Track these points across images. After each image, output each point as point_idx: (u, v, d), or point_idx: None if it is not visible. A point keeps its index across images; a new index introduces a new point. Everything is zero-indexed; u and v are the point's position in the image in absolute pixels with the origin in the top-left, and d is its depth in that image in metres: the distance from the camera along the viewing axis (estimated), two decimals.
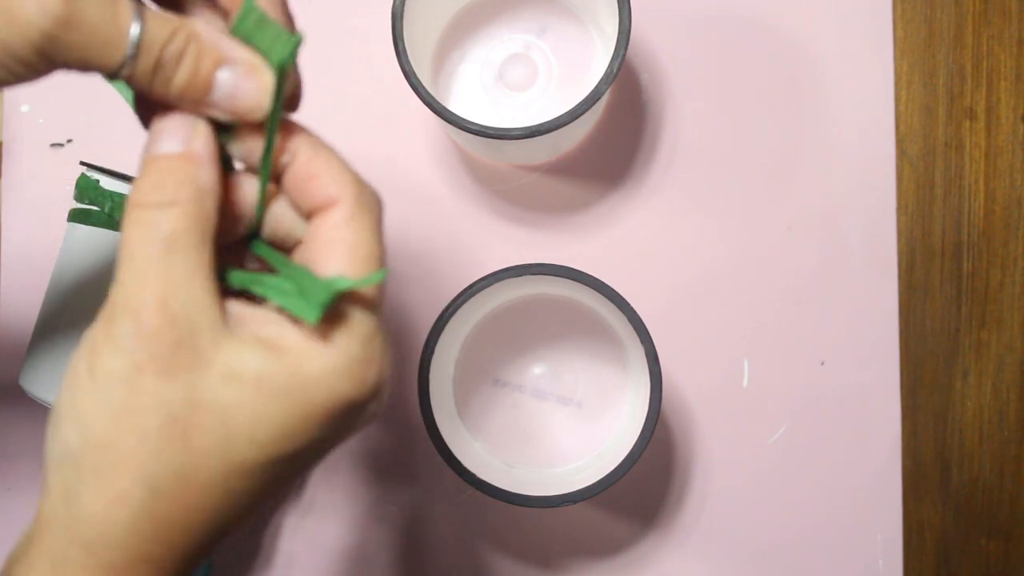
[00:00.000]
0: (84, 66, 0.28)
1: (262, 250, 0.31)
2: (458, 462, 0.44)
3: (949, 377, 0.54)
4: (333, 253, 0.29)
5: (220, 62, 0.29)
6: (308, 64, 0.55)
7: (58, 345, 0.47)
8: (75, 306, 0.47)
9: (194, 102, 0.29)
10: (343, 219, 0.29)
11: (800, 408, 0.53)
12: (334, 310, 0.29)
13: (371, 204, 0.30)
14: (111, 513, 0.27)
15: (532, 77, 0.52)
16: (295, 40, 0.30)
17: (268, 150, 0.30)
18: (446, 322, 0.45)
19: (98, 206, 0.47)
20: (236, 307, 0.29)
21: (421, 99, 0.46)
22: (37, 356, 0.48)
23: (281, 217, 0.31)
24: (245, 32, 0.30)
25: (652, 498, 0.54)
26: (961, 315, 0.54)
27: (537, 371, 0.51)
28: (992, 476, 0.54)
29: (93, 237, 0.47)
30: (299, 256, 0.31)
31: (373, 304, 0.30)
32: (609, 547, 0.53)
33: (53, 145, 0.55)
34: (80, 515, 0.27)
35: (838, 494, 0.53)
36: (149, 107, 0.31)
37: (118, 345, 0.27)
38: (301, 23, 0.58)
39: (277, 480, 0.29)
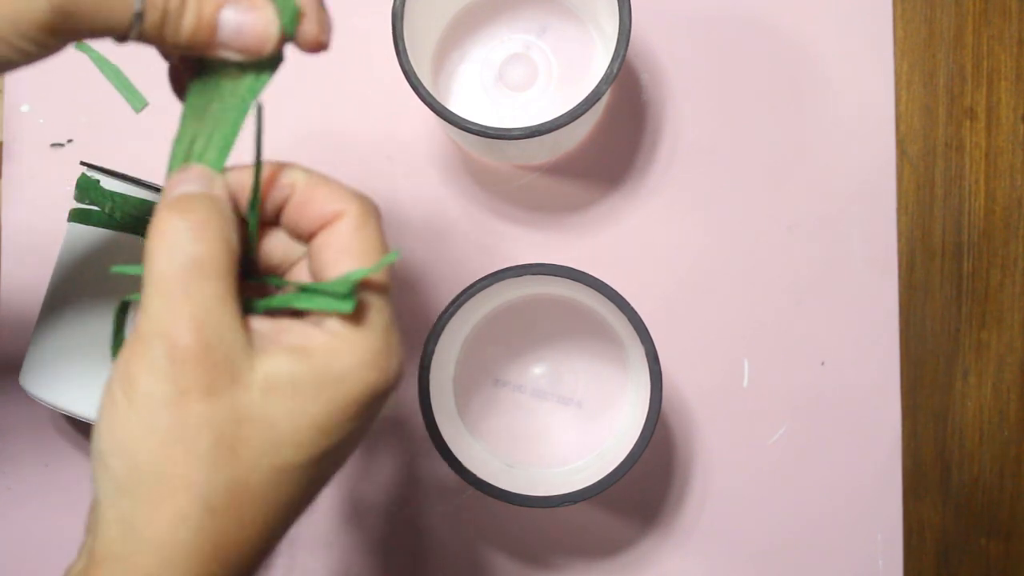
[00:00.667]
0: (94, 32, 0.29)
1: (276, 281, 0.33)
2: (458, 462, 0.44)
3: (949, 377, 0.54)
4: (346, 260, 0.30)
5: (221, 3, 0.30)
6: (308, 64, 0.55)
7: (58, 345, 0.47)
8: (75, 306, 0.47)
9: (204, 45, 0.30)
10: (351, 228, 0.31)
11: (800, 408, 0.53)
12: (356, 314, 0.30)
13: (373, 212, 0.31)
14: (171, 537, 0.28)
15: (532, 77, 0.52)
16: (292, 8, 0.31)
17: (255, 190, 0.31)
18: (446, 322, 0.45)
19: (98, 206, 0.47)
20: (256, 323, 0.30)
21: (421, 99, 0.46)
22: (37, 356, 0.48)
23: (273, 248, 0.32)
24: None
25: (652, 498, 0.54)
26: (961, 315, 0.54)
27: (537, 371, 0.51)
28: (992, 476, 0.54)
29: (93, 237, 0.47)
30: (306, 271, 0.32)
31: (385, 298, 0.31)
32: (609, 547, 0.53)
33: (53, 145, 0.55)
34: (140, 545, 0.28)
35: (838, 494, 0.53)
36: (180, 72, 0.32)
37: (156, 370, 0.28)
38: None
39: (320, 478, 0.30)
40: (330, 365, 0.29)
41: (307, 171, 0.32)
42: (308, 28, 0.31)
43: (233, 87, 0.32)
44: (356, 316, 0.30)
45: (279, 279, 0.33)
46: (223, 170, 0.32)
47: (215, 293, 0.29)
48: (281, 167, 0.32)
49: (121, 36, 0.30)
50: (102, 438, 0.28)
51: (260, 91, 0.32)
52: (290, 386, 0.29)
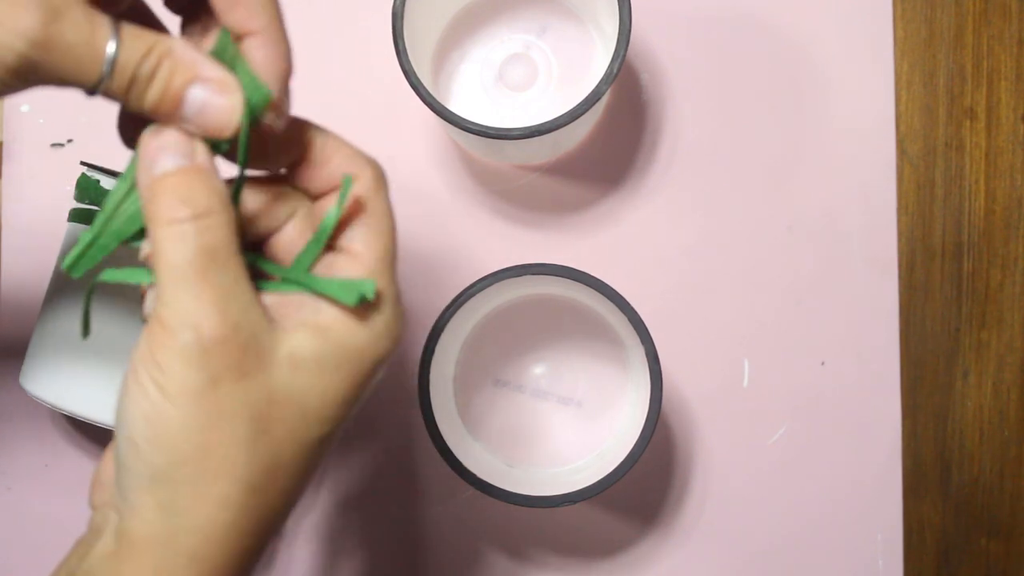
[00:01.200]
0: (60, 83, 0.29)
1: (271, 268, 0.33)
2: (458, 462, 0.44)
3: (949, 377, 0.54)
4: (358, 229, 0.31)
5: (192, 80, 0.30)
6: (308, 63, 0.55)
7: (58, 345, 0.47)
8: (75, 306, 0.47)
9: (167, 116, 0.30)
10: (366, 191, 0.31)
11: (800, 408, 0.53)
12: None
13: (382, 179, 0.32)
14: (215, 519, 0.29)
15: (532, 77, 0.52)
16: (264, 94, 0.31)
17: (240, 177, 0.31)
18: (446, 322, 0.45)
19: (98, 206, 0.47)
20: (269, 299, 0.31)
21: (421, 99, 0.46)
22: (37, 356, 0.48)
23: (256, 214, 0.33)
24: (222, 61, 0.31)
25: (652, 498, 0.54)
26: (961, 315, 0.54)
27: (537, 371, 0.51)
28: (992, 476, 0.54)
29: None
30: (291, 235, 0.32)
31: (394, 269, 0.32)
32: (609, 547, 0.53)
33: (53, 145, 0.55)
34: (183, 527, 0.29)
35: (838, 494, 0.53)
36: (131, 121, 0.32)
37: (187, 359, 0.28)
38: (301, 23, 0.58)
39: (332, 444, 0.32)
40: (348, 341, 0.30)
41: (323, 130, 0.32)
42: (272, 120, 0.31)
43: None
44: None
45: (269, 263, 0.32)
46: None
47: (232, 276, 0.29)
48: (301, 123, 0.32)
49: (88, 91, 0.30)
50: (135, 427, 0.29)
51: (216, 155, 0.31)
52: (314, 362, 0.30)
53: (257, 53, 0.31)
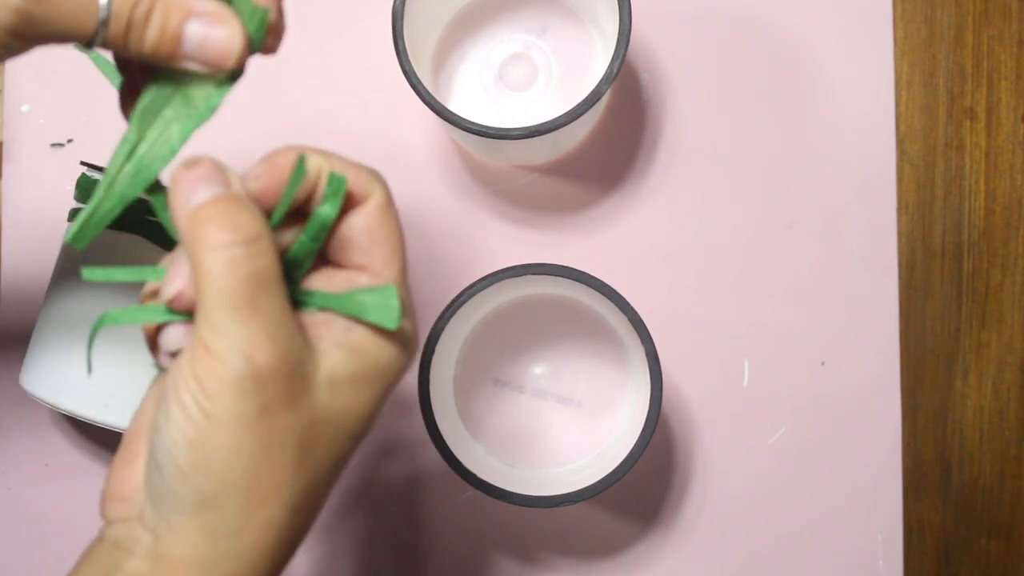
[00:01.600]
0: (59, 38, 0.29)
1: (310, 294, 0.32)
2: (458, 462, 0.44)
3: (949, 377, 0.54)
4: (378, 244, 0.31)
5: (187, 15, 0.30)
6: (308, 63, 0.55)
7: (58, 345, 0.47)
8: (75, 306, 0.47)
9: (168, 56, 0.30)
10: (378, 211, 0.32)
11: (800, 408, 0.53)
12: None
13: (388, 191, 0.32)
14: (260, 542, 0.29)
15: (532, 77, 0.52)
16: (261, 15, 0.31)
17: (290, 192, 0.31)
18: (446, 322, 0.45)
19: None
20: (300, 319, 0.31)
21: (421, 99, 0.46)
22: (37, 356, 0.48)
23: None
24: None
25: (652, 498, 0.54)
26: (961, 315, 0.54)
27: (537, 371, 0.51)
28: (992, 476, 0.54)
29: None
30: (335, 246, 0.32)
31: (405, 280, 0.32)
32: (609, 547, 0.53)
33: (53, 145, 0.55)
34: (229, 551, 0.29)
35: (838, 494, 0.53)
36: (133, 95, 0.32)
37: (238, 388, 0.28)
38: (302, 23, 0.58)
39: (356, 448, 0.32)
40: (379, 358, 0.31)
41: (325, 154, 0.32)
42: (270, 41, 0.32)
43: (188, 96, 0.31)
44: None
45: (303, 290, 0.32)
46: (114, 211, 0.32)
47: (280, 303, 0.29)
48: (295, 153, 0.32)
49: (86, 43, 0.30)
50: (181, 454, 0.29)
51: (218, 104, 0.31)
52: (350, 383, 0.30)
53: None
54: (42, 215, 0.55)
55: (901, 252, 0.54)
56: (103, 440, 0.54)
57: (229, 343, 0.28)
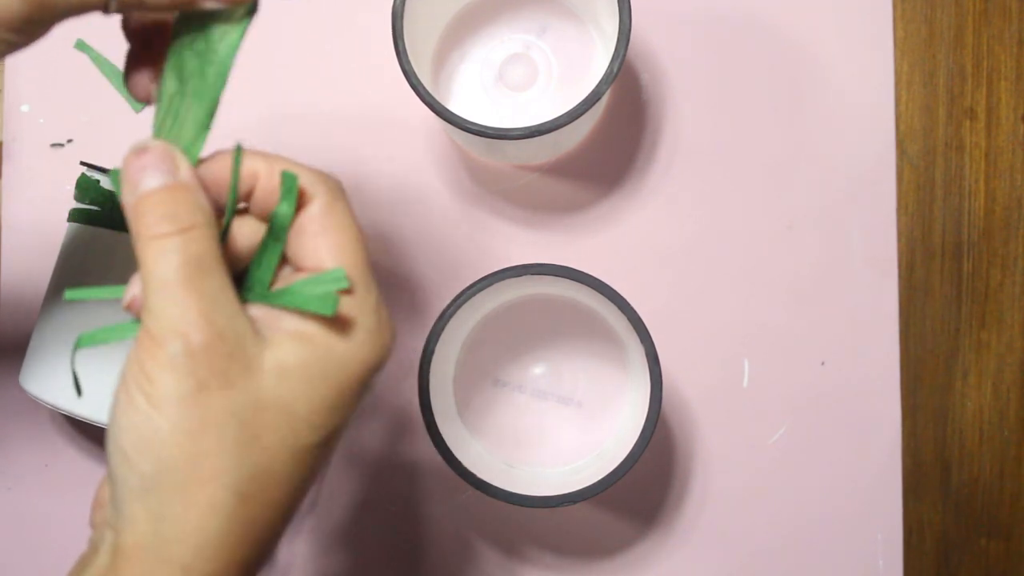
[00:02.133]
0: (74, 10, 0.29)
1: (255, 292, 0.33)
2: (458, 462, 0.44)
3: (949, 377, 0.54)
4: (324, 243, 0.31)
5: None
6: (308, 64, 0.55)
7: (58, 345, 0.47)
8: (75, 306, 0.47)
9: (183, 2, 0.30)
10: (321, 211, 0.31)
11: (800, 408, 0.53)
12: (341, 292, 0.31)
13: (339, 190, 0.32)
14: (204, 527, 0.29)
15: (532, 77, 0.52)
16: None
17: (234, 186, 0.32)
18: (446, 322, 0.45)
19: (98, 206, 0.47)
20: (254, 310, 0.31)
21: (421, 99, 0.46)
22: (37, 356, 0.48)
23: (240, 236, 0.33)
24: None
25: (652, 498, 0.54)
26: (961, 315, 0.54)
27: (537, 371, 0.51)
28: (992, 476, 0.54)
29: (93, 237, 0.47)
30: (293, 250, 0.32)
31: (369, 278, 0.32)
32: (609, 547, 0.53)
33: (53, 145, 0.55)
34: (173, 535, 0.29)
35: (838, 494, 0.53)
36: (139, 64, 0.33)
37: (174, 367, 0.28)
38: (302, 23, 0.58)
39: (329, 453, 0.32)
40: (332, 349, 0.30)
41: (267, 156, 0.32)
42: None
43: (210, 43, 0.32)
44: (347, 301, 0.31)
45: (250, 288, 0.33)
46: (198, 154, 0.32)
47: (217, 286, 0.29)
48: (246, 156, 0.32)
49: (103, 8, 0.30)
50: (124, 438, 0.29)
51: (239, 44, 0.32)
52: (301, 370, 0.30)
53: None
54: (42, 215, 0.55)
55: (901, 252, 0.54)
56: (103, 440, 0.54)
57: (166, 324, 0.29)
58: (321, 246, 0.31)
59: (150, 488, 0.29)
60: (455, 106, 0.52)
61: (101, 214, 0.47)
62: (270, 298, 0.31)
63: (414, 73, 0.46)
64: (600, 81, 0.45)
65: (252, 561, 0.30)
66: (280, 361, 0.30)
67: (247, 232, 0.32)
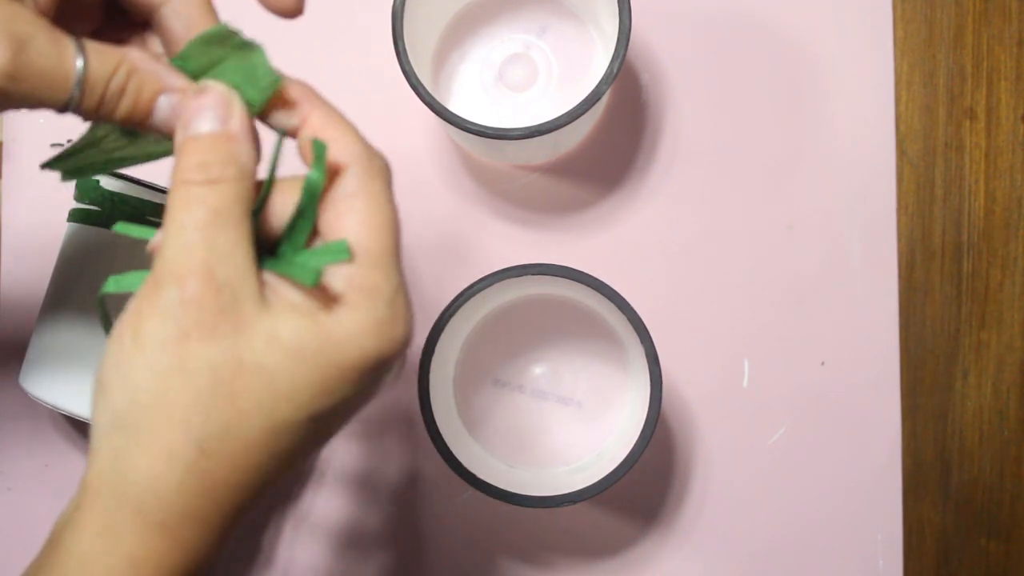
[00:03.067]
0: (31, 106, 0.30)
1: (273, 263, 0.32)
2: (458, 462, 0.44)
3: (949, 377, 0.54)
4: (351, 220, 0.31)
5: (160, 91, 0.31)
6: (308, 64, 0.55)
7: (58, 345, 0.47)
8: (75, 306, 0.47)
9: (136, 125, 0.32)
10: (354, 188, 0.31)
11: (800, 408, 0.53)
12: (357, 273, 0.30)
13: (380, 170, 0.32)
14: (161, 471, 0.28)
15: (532, 77, 0.52)
16: (274, 79, 0.31)
17: (274, 161, 0.31)
18: (446, 322, 0.45)
19: (98, 206, 0.47)
20: (268, 276, 0.31)
21: (421, 99, 0.46)
22: (37, 356, 0.48)
23: (279, 206, 0.32)
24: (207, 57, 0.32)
25: (652, 498, 0.54)
26: (961, 315, 0.54)
27: (537, 371, 0.51)
28: (992, 476, 0.54)
29: (93, 237, 0.47)
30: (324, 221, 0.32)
31: (392, 265, 0.31)
32: (609, 547, 0.53)
33: (53, 145, 0.55)
34: (130, 476, 0.29)
35: (838, 494, 0.53)
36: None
37: (164, 311, 0.28)
38: (302, 23, 0.58)
39: (315, 437, 0.31)
40: (332, 330, 0.30)
41: (327, 111, 0.32)
42: (283, 119, 0.32)
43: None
44: (361, 284, 0.30)
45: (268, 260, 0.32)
46: (261, 102, 0.32)
47: (231, 240, 0.29)
48: (307, 95, 0.32)
49: (59, 109, 0.31)
50: (107, 374, 0.29)
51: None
52: (293, 344, 0.29)
53: (190, 11, 0.33)
54: (42, 215, 0.55)
55: (901, 252, 0.54)
56: None
57: (169, 268, 0.29)
58: (348, 224, 0.31)
59: (118, 424, 0.29)
60: (455, 106, 0.52)
61: (101, 214, 0.47)
62: (268, 263, 0.31)
63: (414, 73, 0.46)
64: (600, 81, 0.45)
65: (213, 520, 0.29)
66: (273, 329, 0.29)
67: (289, 201, 0.32)
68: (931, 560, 0.53)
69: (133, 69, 0.31)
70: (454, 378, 0.51)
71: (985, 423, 0.54)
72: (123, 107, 0.31)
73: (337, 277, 0.30)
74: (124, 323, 0.29)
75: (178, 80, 0.32)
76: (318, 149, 0.31)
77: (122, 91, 0.31)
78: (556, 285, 0.48)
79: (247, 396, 0.29)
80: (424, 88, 0.45)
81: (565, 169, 0.54)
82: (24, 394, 0.49)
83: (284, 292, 0.30)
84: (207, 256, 0.29)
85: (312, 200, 0.31)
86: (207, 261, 0.29)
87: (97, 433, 0.29)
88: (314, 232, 0.32)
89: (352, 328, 0.30)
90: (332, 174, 0.31)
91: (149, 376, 0.28)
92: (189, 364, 0.28)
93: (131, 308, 0.29)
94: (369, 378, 0.31)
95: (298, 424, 0.30)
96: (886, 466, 0.53)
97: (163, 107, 0.31)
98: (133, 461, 0.29)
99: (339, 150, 0.31)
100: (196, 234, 0.29)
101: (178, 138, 0.31)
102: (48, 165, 0.33)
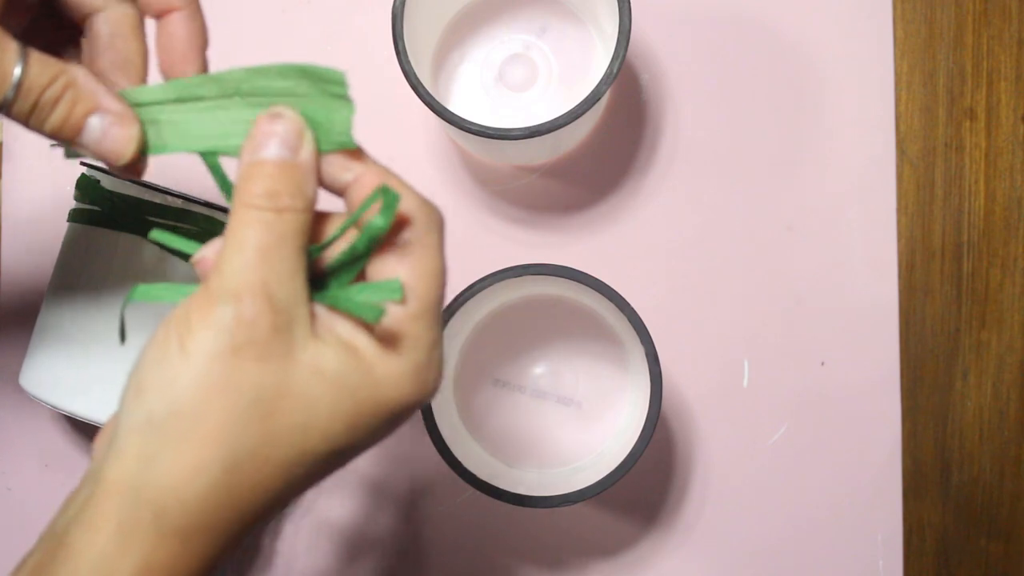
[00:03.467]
0: None
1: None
2: (458, 462, 0.44)
3: (949, 377, 0.54)
4: (403, 269, 0.31)
5: (93, 109, 0.32)
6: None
7: (58, 345, 0.47)
8: (75, 306, 0.47)
9: (66, 140, 0.32)
10: (413, 238, 0.31)
11: (800, 408, 0.53)
12: (405, 319, 0.31)
13: (438, 223, 0.32)
14: (188, 479, 0.29)
15: (532, 77, 0.52)
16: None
17: (354, 217, 0.32)
18: (446, 322, 0.45)
19: (98, 206, 0.47)
20: (318, 308, 0.31)
21: (421, 99, 0.46)
22: (37, 356, 0.48)
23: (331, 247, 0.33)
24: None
25: (652, 498, 0.54)
26: (961, 315, 0.54)
27: (537, 371, 0.51)
28: (992, 476, 0.54)
29: (93, 237, 0.47)
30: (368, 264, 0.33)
31: (436, 315, 0.32)
32: (609, 547, 0.53)
33: (53, 145, 0.55)
34: (157, 481, 0.29)
35: (838, 494, 0.53)
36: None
37: (218, 325, 0.29)
38: (302, 23, 0.58)
39: (328, 469, 0.31)
40: (373, 369, 0.30)
41: (380, 169, 0.32)
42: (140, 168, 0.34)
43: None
44: (406, 330, 0.31)
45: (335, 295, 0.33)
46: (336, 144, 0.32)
47: (290, 267, 0.30)
48: (360, 156, 0.32)
49: None
50: (147, 376, 0.29)
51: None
52: (336, 377, 0.30)
53: (179, 28, 0.33)
54: (42, 215, 0.55)
55: (901, 252, 0.54)
56: None
57: (227, 285, 0.29)
58: (400, 271, 0.31)
59: (153, 426, 0.29)
60: (455, 106, 0.52)
61: (101, 214, 0.47)
62: (326, 297, 0.31)
63: (414, 73, 0.46)
64: (600, 81, 0.45)
65: (227, 534, 0.30)
66: (319, 360, 0.30)
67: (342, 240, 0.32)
68: (931, 560, 0.53)
69: (71, 83, 0.32)
70: (454, 378, 0.51)
71: (985, 423, 0.54)
72: (54, 118, 0.32)
73: (385, 319, 0.31)
74: (171, 328, 0.29)
75: (115, 103, 0.32)
76: (389, 199, 0.31)
77: (56, 102, 0.31)
78: (556, 285, 0.48)
79: (284, 421, 0.29)
80: (424, 88, 0.45)
81: (565, 169, 0.54)
82: (24, 394, 0.49)
83: (332, 325, 0.31)
84: (267, 278, 0.29)
85: (371, 243, 0.31)
86: (267, 283, 0.29)
87: (124, 432, 0.29)
88: (360, 274, 0.32)
89: (394, 371, 0.30)
90: (396, 223, 0.31)
91: (194, 386, 0.28)
92: (234, 381, 0.29)
93: (178, 316, 0.29)
94: (397, 419, 0.31)
95: (322, 456, 0.30)
96: (886, 466, 0.53)
97: (94, 127, 0.32)
98: (162, 466, 0.29)
99: (406, 203, 0.32)
100: (257, 255, 0.29)
101: (246, 157, 0.31)
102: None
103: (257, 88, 0.32)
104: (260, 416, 0.29)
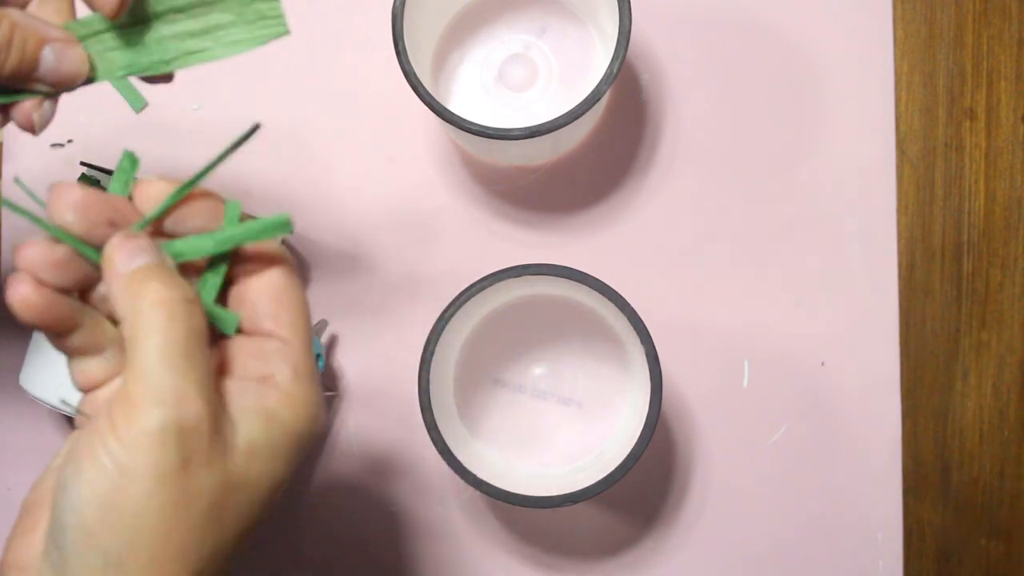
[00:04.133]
0: None
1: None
2: (458, 462, 0.44)
3: (949, 377, 0.54)
4: (284, 310, 0.32)
5: (43, 42, 0.33)
6: (309, 64, 0.55)
7: None
8: None
9: (24, 79, 0.34)
10: (285, 278, 0.32)
11: (800, 408, 0.53)
12: (299, 361, 0.32)
13: (293, 263, 0.33)
14: None
15: (532, 77, 0.52)
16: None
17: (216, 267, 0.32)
18: (446, 322, 0.45)
19: None
20: (223, 386, 0.31)
21: (421, 99, 0.46)
22: (37, 356, 0.48)
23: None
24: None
25: (652, 498, 0.54)
26: (961, 315, 0.54)
27: (537, 371, 0.51)
28: (992, 476, 0.54)
29: None
30: (244, 314, 0.32)
31: (312, 348, 0.32)
32: (609, 547, 0.53)
33: (53, 145, 0.55)
34: None
35: (838, 494, 0.53)
36: None
37: (162, 440, 0.27)
38: (301, 23, 0.58)
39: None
40: (293, 425, 0.30)
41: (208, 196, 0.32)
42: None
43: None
44: (303, 379, 0.31)
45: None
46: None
47: (208, 365, 0.29)
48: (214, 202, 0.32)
49: None
50: (88, 512, 0.27)
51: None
52: (267, 450, 0.30)
53: None
54: (42, 215, 0.54)
55: (901, 252, 0.54)
56: None
57: (158, 394, 0.27)
58: (282, 311, 0.31)
59: (113, 564, 0.27)
60: (455, 106, 0.52)
61: None
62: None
63: (414, 73, 0.46)
64: (600, 81, 0.45)
65: None
66: (250, 441, 0.29)
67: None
68: (931, 560, 0.53)
69: (15, 24, 0.33)
70: (454, 378, 0.51)
71: (985, 423, 0.54)
72: (11, 60, 0.33)
73: (283, 367, 0.31)
74: (99, 451, 0.27)
75: (58, 32, 0.34)
76: (232, 210, 0.31)
77: (9, 45, 0.32)
78: (556, 285, 0.48)
79: (233, 513, 0.29)
80: (424, 88, 0.45)
81: (565, 169, 0.54)
82: (24, 394, 0.48)
83: (236, 400, 0.30)
84: (199, 378, 0.28)
85: (225, 256, 0.32)
86: (200, 385, 0.28)
87: (79, 568, 0.28)
88: (224, 298, 0.33)
89: (303, 417, 0.31)
90: (261, 267, 0.32)
91: (150, 513, 0.27)
92: (191, 496, 0.28)
93: (103, 434, 0.28)
94: (312, 441, 0.32)
95: (262, 521, 0.31)
96: (886, 466, 0.53)
97: (48, 58, 0.33)
98: None
99: (267, 247, 0.32)
100: (186, 356, 0.28)
101: (121, 271, 0.30)
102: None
103: (180, 3, 0.34)
104: (215, 519, 0.28)
